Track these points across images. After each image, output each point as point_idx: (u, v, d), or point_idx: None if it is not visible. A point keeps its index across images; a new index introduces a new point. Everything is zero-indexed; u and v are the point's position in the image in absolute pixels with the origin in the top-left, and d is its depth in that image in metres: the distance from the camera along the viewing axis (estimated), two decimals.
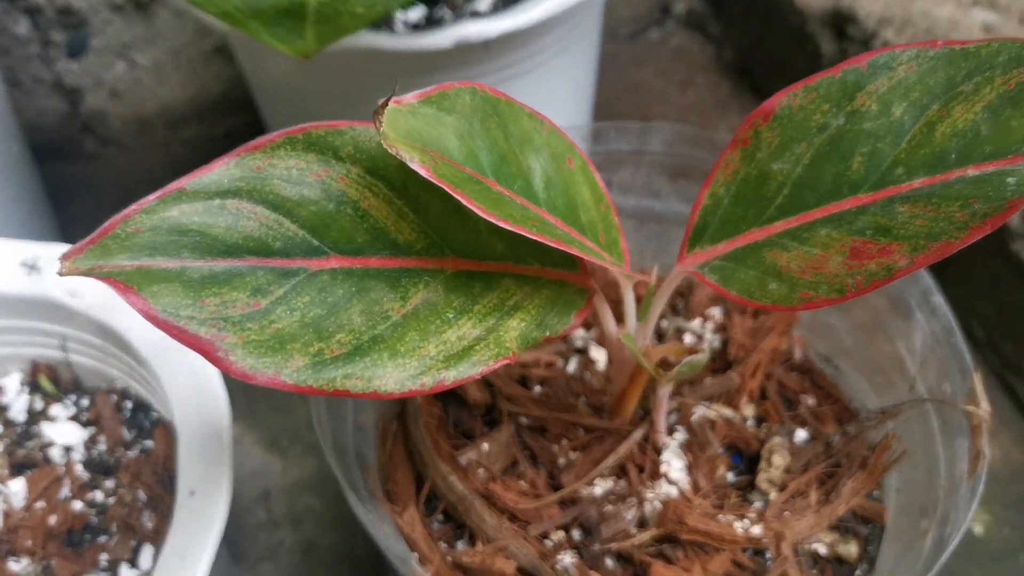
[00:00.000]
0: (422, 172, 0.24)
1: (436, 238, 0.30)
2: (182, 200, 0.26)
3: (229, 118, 0.87)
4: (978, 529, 0.64)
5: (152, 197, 0.26)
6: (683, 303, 0.50)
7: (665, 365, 0.34)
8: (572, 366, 0.46)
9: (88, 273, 0.25)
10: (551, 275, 0.32)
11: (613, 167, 0.48)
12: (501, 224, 0.25)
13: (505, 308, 0.30)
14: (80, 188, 0.85)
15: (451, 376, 0.27)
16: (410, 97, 0.26)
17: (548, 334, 0.30)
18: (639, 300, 0.39)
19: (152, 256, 0.26)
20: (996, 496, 0.65)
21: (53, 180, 0.76)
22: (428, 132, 0.26)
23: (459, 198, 0.25)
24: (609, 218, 0.33)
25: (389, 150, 0.24)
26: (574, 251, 0.28)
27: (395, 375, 0.27)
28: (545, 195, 0.30)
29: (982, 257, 0.68)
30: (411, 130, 0.25)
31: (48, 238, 0.69)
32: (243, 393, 0.71)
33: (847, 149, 0.30)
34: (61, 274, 0.25)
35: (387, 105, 0.25)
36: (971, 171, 0.27)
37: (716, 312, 0.48)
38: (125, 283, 0.25)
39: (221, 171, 0.27)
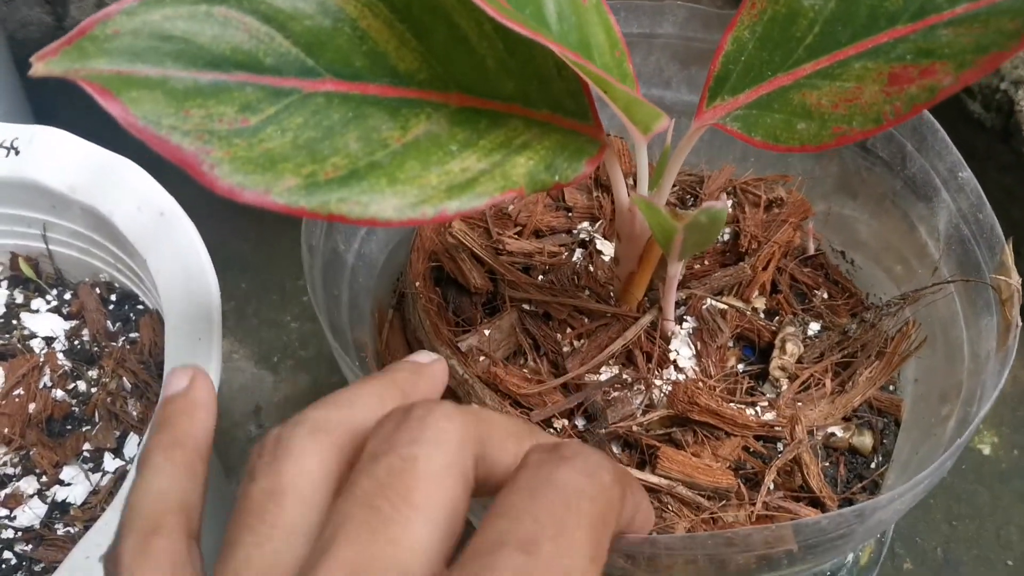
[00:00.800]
0: None
1: (440, 70, 0.28)
2: (165, 3, 0.24)
3: None
4: (986, 450, 0.62)
5: None
6: (691, 196, 0.48)
7: (683, 220, 0.31)
8: (577, 257, 0.44)
9: (63, 75, 0.23)
10: (561, 123, 0.30)
11: None
12: (514, 27, 0.23)
13: (513, 146, 0.28)
14: (62, 104, 0.82)
15: (454, 206, 0.25)
16: None
17: (558, 179, 0.28)
18: (651, 172, 0.37)
19: (132, 62, 0.24)
20: (1004, 418, 0.64)
21: (35, 95, 0.74)
22: None
23: None
24: (624, 65, 0.31)
25: None
26: (592, 67, 0.26)
27: (394, 202, 0.25)
28: (558, 28, 0.28)
29: (996, 175, 0.66)
30: None
31: None
32: (233, 309, 0.69)
33: None
34: (33, 75, 0.23)
35: None
36: None
37: (727, 204, 0.46)
38: (103, 87, 0.23)
39: None
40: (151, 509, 0.21)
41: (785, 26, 0.29)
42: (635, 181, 0.39)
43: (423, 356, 0.24)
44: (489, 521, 0.18)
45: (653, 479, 0.35)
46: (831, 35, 0.29)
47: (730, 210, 0.46)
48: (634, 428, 0.36)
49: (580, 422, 0.38)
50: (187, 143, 0.23)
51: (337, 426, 0.20)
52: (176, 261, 0.40)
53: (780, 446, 0.38)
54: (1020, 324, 0.32)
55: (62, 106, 0.81)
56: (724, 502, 0.35)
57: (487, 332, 0.40)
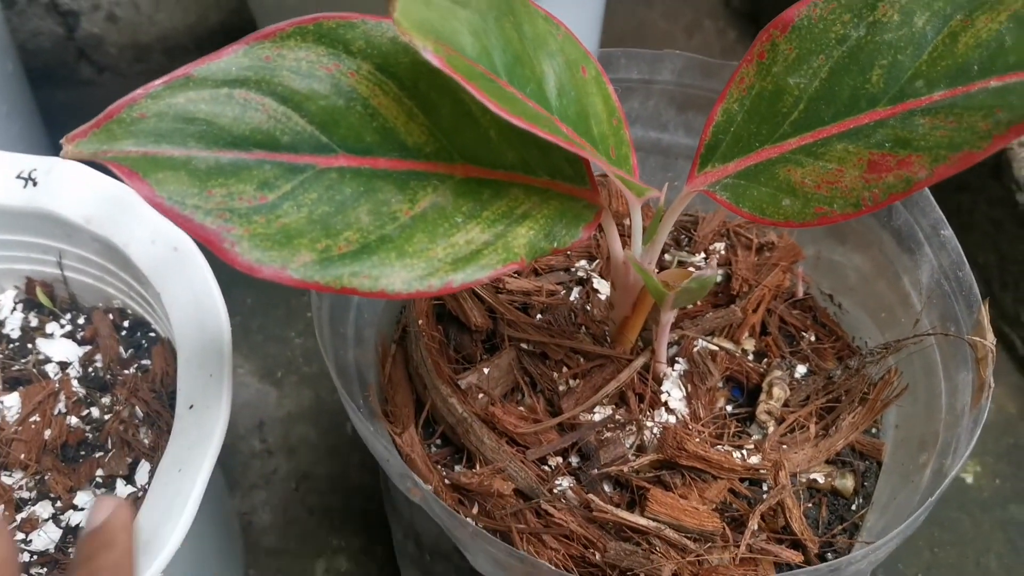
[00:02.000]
0: (435, 62, 0.24)
1: (446, 142, 0.29)
2: (189, 87, 0.26)
3: None
4: (968, 479, 0.64)
5: (158, 82, 0.25)
6: (687, 238, 0.49)
7: (673, 287, 0.33)
8: (574, 296, 0.46)
9: (92, 157, 0.25)
10: (560, 188, 0.31)
11: (622, 96, 0.47)
12: (513, 120, 0.25)
13: (514, 216, 0.29)
14: (74, 115, 0.83)
15: (459, 279, 0.27)
16: None
17: (556, 245, 0.30)
18: (645, 227, 0.39)
19: (158, 143, 0.25)
20: (987, 447, 0.66)
21: (46, 106, 0.75)
22: (442, 25, 0.25)
23: (472, 91, 0.24)
24: (621, 133, 0.32)
25: (402, 37, 0.23)
26: (584, 153, 0.27)
27: (403, 275, 0.26)
28: (558, 102, 0.30)
29: (986, 208, 0.67)
30: (424, 20, 0.24)
31: None
32: (239, 324, 0.70)
33: (866, 61, 0.29)
34: (64, 157, 0.24)
35: None
36: (994, 82, 0.26)
37: (720, 247, 0.48)
38: (130, 169, 0.24)
39: (229, 59, 0.26)
40: None
41: (772, 101, 0.31)
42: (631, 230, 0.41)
43: (99, 511, 0.27)
44: None
45: (642, 521, 0.36)
46: (815, 112, 0.30)
47: (723, 252, 0.47)
48: (625, 470, 0.38)
49: (574, 459, 0.40)
50: (209, 222, 0.25)
51: None
52: (189, 297, 0.42)
53: (765, 487, 0.39)
54: (992, 385, 0.34)
55: (74, 121, 0.82)
56: (710, 544, 0.37)
57: (486, 370, 0.42)
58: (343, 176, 0.27)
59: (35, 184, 0.46)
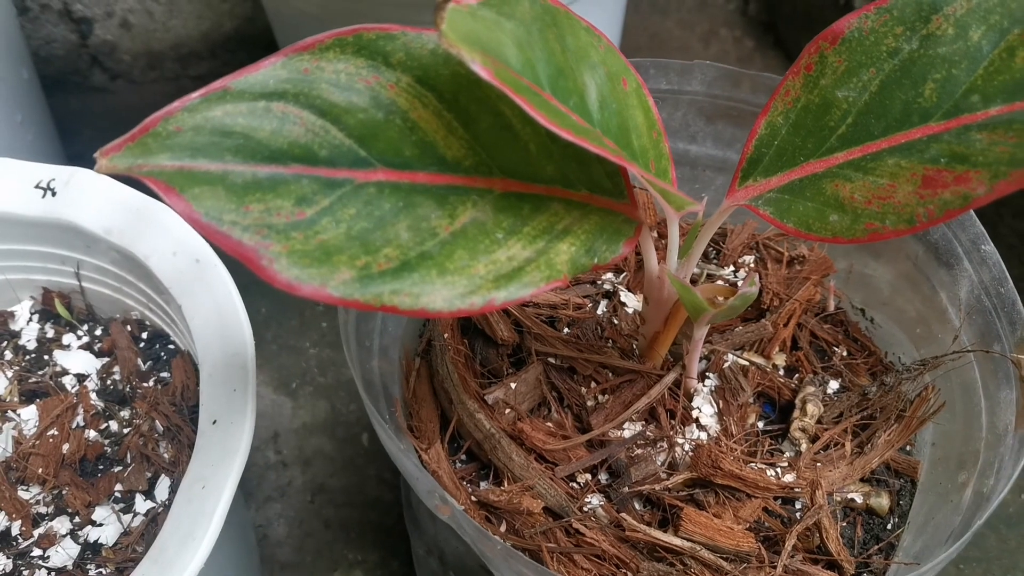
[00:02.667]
0: (483, 75, 0.23)
1: (485, 156, 0.28)
2: (226, 100, 0.25)
3: (241, 55, 0.85)
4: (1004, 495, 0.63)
5: (195, 95, 0.25)
6: (715, 250, 0.48)
7: (719, 305, 0.33)
8: (601, 309, 0.45)
9: (127, 171, 0.24)
10: (599, 202, 0.31)
11: None
12: (563, 134, 0.24)
13: (555, 231, 0.28)
14: (87, 121, 0.83)
15: (501, 296, 0.26)
16: None
17: (597, 261, 0.29)
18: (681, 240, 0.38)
19: (194, 157, 0.24)
20: None
21: (59, 112, 0.75)
22: (487, 37, 0.24)
23: (521, 104, 0.23)
24: (660, 146, 0.32)
25: (450, 50, 0.23)
26: (634, 167, 0.26)
27: (444, 293, 0.25)
28: (599, 115, 0.29)
29: (1011, 220, 0.67)
30: (471, 32, 0.24)
31: None
32: (253, 334, 0.70)
33: (919, 75, 0.28)
34: (99, 171, 0.24)
35: (448, 3, 0.23)
36: None
37: (750, 260, 0.47)
38: (167, 184, 0.24)
39: (267, 72, 0.26)
40: None
41: (818, 115, 0.30)
42: (662, 236, 0.40)
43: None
44: None
45: (676, 541, 0.35)
46: (864, 127, 0.29)
47: (752, 266, 0.47)
48: (657, 488, 0.37)
49: (603, 477, 0.39)
50: (247, 238, 0.24)
51: None
52: (212, 309, 0.41)
53: (799, 504, 0.39)
54: None
55: (87, 129, 0.82)
56: (745, 565, 0.36)
57: (513, 385, 0.41)
58: (382, 191, 0.26)
59: (54, 194, 0.45)
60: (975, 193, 0.25)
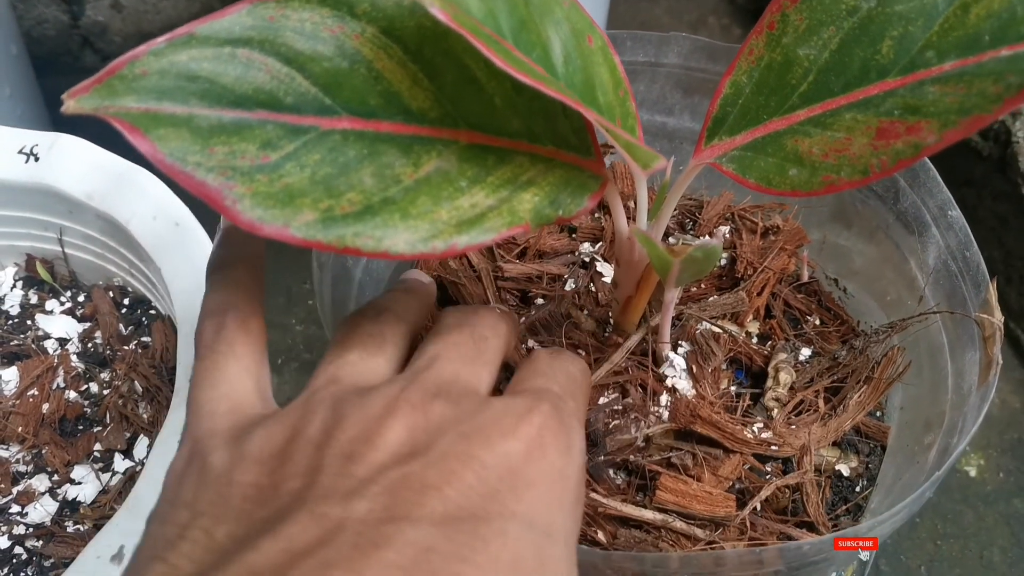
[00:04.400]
0: (441, 18, 0.23)
1: (450, 108, 0.29)
2: (192, 45, 0.26)
3: None
4: (972, 472, 0.64)
5: (161, 39, 0.25)
6: (691, 221, 0.49)
7: (680, 254, 0.33)
8: (578, 280, 0.45)
9: (94, 112, 0.24)
10: (565, 158, 0.31)
11: (628, 79, 0.47)
12: (520, 76, 0.24)
13: (519, 182, 0.29)
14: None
15: (463, 241, 0.27)
16: None
17: (562, 213, 0.30)
18: (650, 205, 0.38)
19: (159, 100, 0.25)
20: (991, 441, 0.65)
21: (50, 92, 0.75)
22: None
23: (478, 46, 0.24)
24: (627, 104, 0.32)
25: None
26: (593, 115, 0.27)
27: (406, 236, 0.26)
28: (564, 69, 0.30)
29: (991, 203, 0.67)
30: None
31: None
32: None
33: (877, 33, 0.29)
34: (65, 112, 0.24)
35: None
36: (1005, 51, 0.26)
37: (725, 230, 0.48)
38: (132, 124, 0.24)
39: (232, 18, 0.26)
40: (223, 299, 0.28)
41: (781, 73, 0.31)
42: (635, 206, 0.40)
43: (420, 276, 0.33)
44: (523, 369, 0.29)
45: (648, 515, 0.36)
46: (824, 84, 0.30)
47: (728, 236, 0.47)
48: (631, 458, 0.37)
49: None
50: (211, 179, 0.24)
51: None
52: (191, 271, 0.42)
53: (769, 467, 0.39)
54: (1000, 361, 0.33)
55: (83, 119, 0.82)
56: (721, 530, 0.36)
57: None
58: (346, 138, 0.27)
59: (37, 160, 0.46)
60: (925, 142, 0.26)
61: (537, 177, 0.29)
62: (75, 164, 0.45)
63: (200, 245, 0.42)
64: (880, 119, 0.27)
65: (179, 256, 0.42)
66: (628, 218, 0.36)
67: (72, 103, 0.24)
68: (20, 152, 0.46)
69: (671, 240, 0.48)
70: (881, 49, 0.29)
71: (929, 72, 0.28)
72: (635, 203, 0.36)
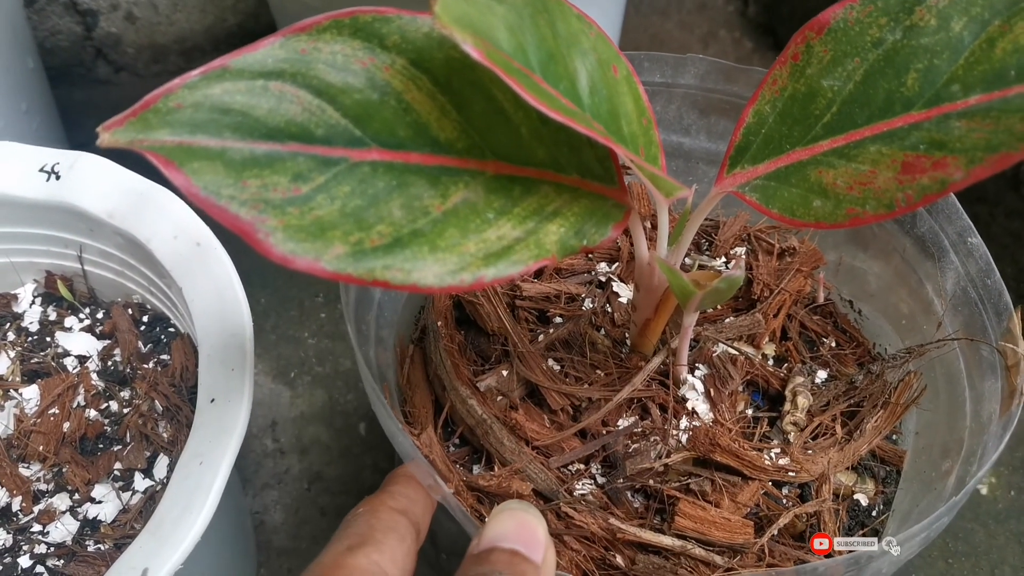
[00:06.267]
0: (474, 55, 0.24)
1: (477, 139, 0.29)
2: (225, 78, 0.26)
3: None
4: (983, 490, 0.64)
5: (195, 73, 0.25)
6: (708, 242, 0.49)
7: (703, 287, 0.33)
8: (594, 300, 0.46)
9: (128, 146, 0.25)
10: (589, 187, 0.31)
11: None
12: (551, 114, 0.25)
13: (544, 213, 0.29)
14: (91, 112, 0.84)
15: (490, 274, 0.27)
16: None
17: (586, 243, 0.30)
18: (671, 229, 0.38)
19: (193, 133, 0.25)
20: (1002, 459, 0.65)
21: (64, 103, 0.75)
22: (479, 19, 0.25)
23: (511, 84, 0.24)
24: (651, 133, 0.32)
25: (442, 31, 0.23)
26: (620, 149, 0.27)
27: (435, 269, 0.26)
28: (589, 100, 0.30)
29: (1004, 220, 0.67)
30: (463, 15, 0.24)
31: None
32: (252, 323, 0.70)
33: (902, 65, 0.29)
34: (100, 145, 0.24)
35: None
36: None
37: (741, 251, 0.48)
38: (167, 158, 0.24)
39: (265, 51, 0.26)
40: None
41: (805, 104, 0.31)
42: (654, 227, 0.40)
43: (420, 475, 0.34)
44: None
45: (667, 541, 0.36)
46: (848, 115, 0.30)
47: (743, 257, 0.47)
48: (651, 482, 0.37)
49: (595, 468, 0.39)
50: (244, 212, 0.25)
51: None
52: (212, 291, 0.42)
53: (786, 490, 0.39)
54: (1023, 393, 0.34)
55: (91, 120, 0.83)
56: (740, 556, 0.36)
57: (505, 373, 0.42)
58: (376, 170, 0.27)
59: (58, 178, 0.46)
60: (952, 178, 0.26)
61: (563, 208, 0.30)
62: (96, 183, 0.45)
63: (221, 265, 0.42)
64: (905, 153, 0.28)
65: (200, 276, 0.42)
66: (648, 238, 0.36)
67: (107, 136, 0.25)
68: (41, 170, 0.46)
69: (687, 261, 0.48)
70: (906, 81, 0.29)
71: (955, 106, 0.28)
72: (656, 228, 0.36)
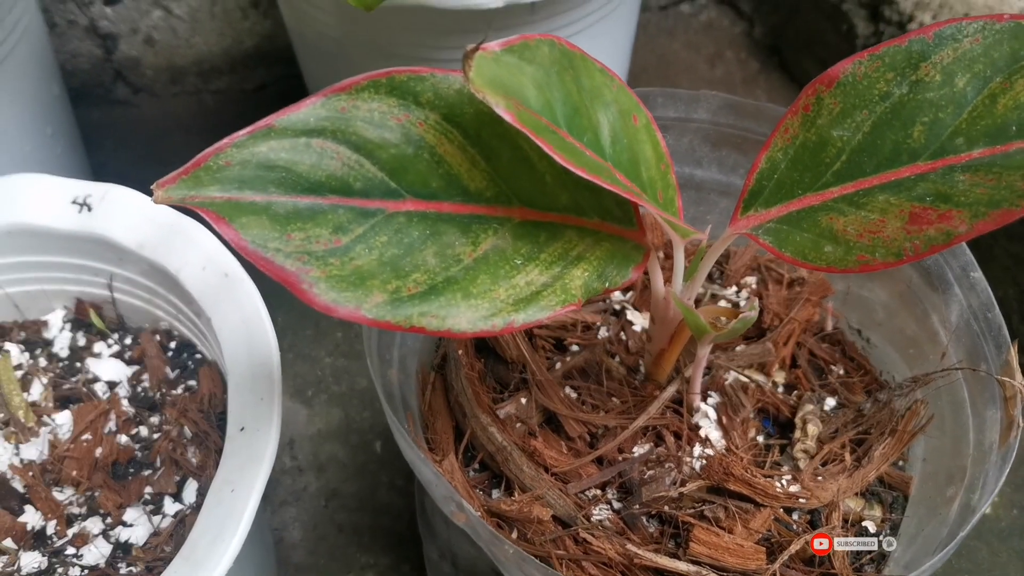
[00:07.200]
0: (507, 118, 0.25)
1: (504, 187, 0.31)
2: (271, 136, 0.27)
3: (261, 71, 0.88)
4: (987, 509, 0.65)
5: (243, 132, 0.27)
6: (719, 271, 0.51)
7: (721, 327, 0.35)
8: (609, 328, 0.47)
9: (181, 202, 0.26)
10: (610, 229, 0.33)
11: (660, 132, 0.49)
12: (579, 172, 0.26)
13: (569, 258, 0.31)
14: (110, 133, 0.86)
15: (520, 319, 0.28)
16: (494, 45, 0.27)
17: (608, 285, 0.31)
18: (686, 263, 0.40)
19: (241, 189, 0.27)
20: (1006, 478, 0.67)
21: (83, 124, 0.77)
22: (510, 80, 0.27)
23: (541, 144, 0.26)
24: (668, 177, 0.34)
25: (476, 95, 0.25)
26: (644, 203, 0.29)
27: (468, 315, 0.28)
28: (612, 149, 0.31)
29: (1005, 243, 0.69)
30: (495, 77, 0.26)
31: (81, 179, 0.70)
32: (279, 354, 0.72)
33: (908, 118, 0.30)
34: (156, 202, 0.26)
35: (476, 51, 0.26)
36: None
37: (751, 281, 0.49)
38: (217, 213, 0.26)
39: (308, 110, 0.28)
40: None
41: (815, 152, 0.32)
42: (667, 255, 0.41)
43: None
44: None
45: (682, 567, 0.37)
46: (857, 164, 0.32)
47: (753, 287, 0.49)
48: (666, 509, 0.39)
49: (612, 492, 0.41)
50: (289, 264, 0.26)
51: None
52: (239, 321, 0.43)
53: (796, 516, 0.40)
54: (1021, 425, 0.35)
55: (110, 140, 0.84)
56: None
57: (523, 400, 0.43)
58: (411, 220, 0.29)
59: (90, 210, 0.48)
60: (957, 231, 0.27)
61: (586, 252, 0.31)
62: (126, 214, 0.47)
63: (248, 296, 0.44)
64: (913, 204, 0.29)
65: (229, 306, 0.44)
66: (663, 269, 0.38)
67: (161, 193, 0.26)
68: (74, 202, 0.48)
69: (699, 289, 0.50)
70: (912, 133, 0.30)
71: (959, 158, 0.29)
72: (670, 257, 0.38)
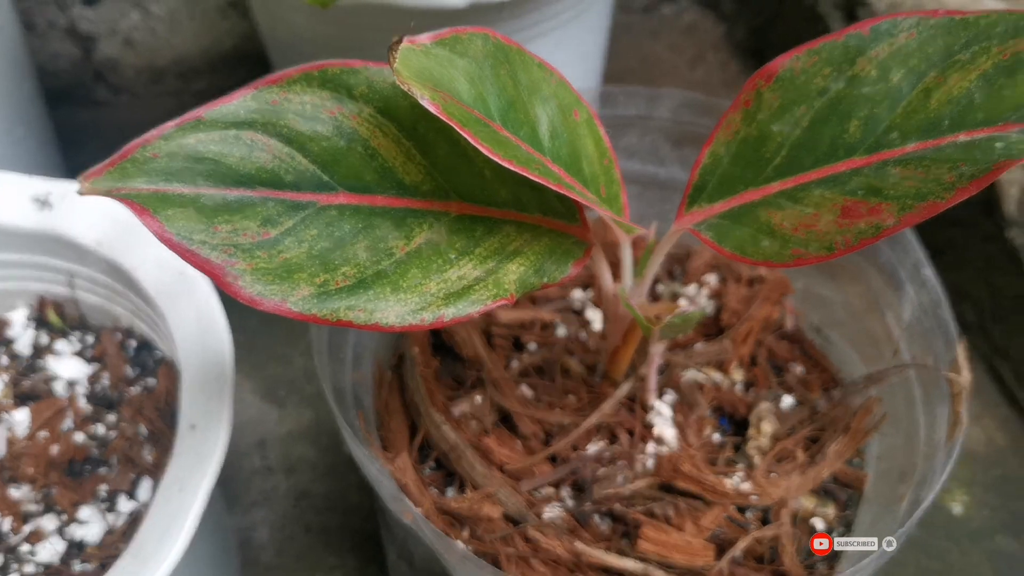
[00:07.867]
0: (432, 109, 0.25)
1: (442, 181, 0.31)
2: (199, 128, 0.27)
3: (241, 71, 0.88)
4: (957, 509, 0.65)
5: (171, 124, 0.27)
6: (680, 269, 0.50)
7: (659, 321, 0.35)
8: (568, 327, 0.47)
9: (106, 194, 0.26)
10: (551, 224, 0.33)
11: (620, 131, 0.49)
12: (505, 164, 0.26)
13: (505, 252, 0.31)
14: (89, 135, 0.86)
15: (450, 313, 0.28)
16: (424, 38, 0.27)
17: (546, 280, 0.31)
18: (637, 260, 0.40)
19: (168, 181, 0.27)
20: (977, 478, 0.67)
21: (62, 125, 0.77)
22: (440, 73, 0.27)
23: (466, 136, 0.26)
24: (611, 172, 0.34)
25: (401, 87, 0.25)
26: (573, 195, 0.29)
27: (396, 309, 0.28)
28: (550, 144, 0.31)
29: (979, 244, 0.69)
30: (423, 69, 0.26)
31: None
32: (243, 343, 0.72)
33: (845, 113, 0.30)
34: (81, 194, 0.26)
35: (401, 43, 0.26)
36: (962, 137, 0.28)
37: (712, 279, 0.49)
38: (142, 205, 0.26)
39: (238, 103, 0.28)
40: None
41: (756, 147, 0.32)
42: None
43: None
44: None
45: (629, 564, 0.37)
46: (797, 159, 0.32)
47: (714, 285, 0.49)
48: (616, 507, 0.39)
49: (566, 491, 0.41)
50: (215, 256, 0.26)
51: None
52: (194, 320, 0.43)
53: (749, 514, 0.40)
54: (966, 422, 0.35)
55: (91, 141, 0.84)
56: None
57: (479, 398, 0.43)
58: (343, 213, 0.29)
59: (50, 207, 0.48)
60: (885, 224, 0.27)
61: (523, 247, 0.31)
62: (86, 212, 0.47)
63: (204, 294, 0.44)
64: (845, 198, 0.29)
65: (184, 305, 0.44)
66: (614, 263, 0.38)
67: (87, 185, 0.26)
68: (34, 199, 0.48)
69: (661, 287, 0.50)
70: (849, 128, 0.30)
71: (893, 153, 0.29)
72: (620, 262, 0.37)
